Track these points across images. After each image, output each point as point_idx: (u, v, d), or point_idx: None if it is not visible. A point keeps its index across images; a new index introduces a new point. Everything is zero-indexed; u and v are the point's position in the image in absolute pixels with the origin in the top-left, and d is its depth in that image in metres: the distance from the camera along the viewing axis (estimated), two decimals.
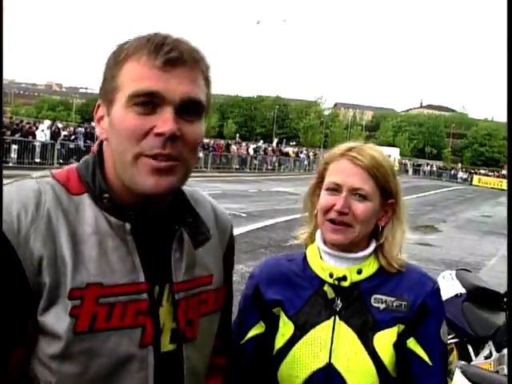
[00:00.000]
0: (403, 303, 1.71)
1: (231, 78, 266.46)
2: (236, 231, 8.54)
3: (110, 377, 1.25)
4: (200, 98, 1.28)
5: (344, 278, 1.72)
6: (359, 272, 1.73)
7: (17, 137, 25.88)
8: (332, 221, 1.71)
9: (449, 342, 4.32)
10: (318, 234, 1.81)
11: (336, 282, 1.73)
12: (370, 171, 1.69)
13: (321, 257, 1.78)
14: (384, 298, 1.72)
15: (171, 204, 1.40)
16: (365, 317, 1.70)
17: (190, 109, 1.26)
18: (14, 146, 24.68)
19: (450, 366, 3.14)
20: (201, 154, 37.15)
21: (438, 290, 1.78)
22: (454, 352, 4.26)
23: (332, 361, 1.68)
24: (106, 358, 1.24)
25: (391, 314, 1.70)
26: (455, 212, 25.79)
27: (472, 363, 3.72)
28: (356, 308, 1.72)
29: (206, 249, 1.46)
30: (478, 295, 4.18)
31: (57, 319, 1.19)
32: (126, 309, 1.26)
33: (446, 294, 4.41)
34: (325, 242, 1.78)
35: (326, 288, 1.74)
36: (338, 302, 1.72)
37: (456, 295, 4.30)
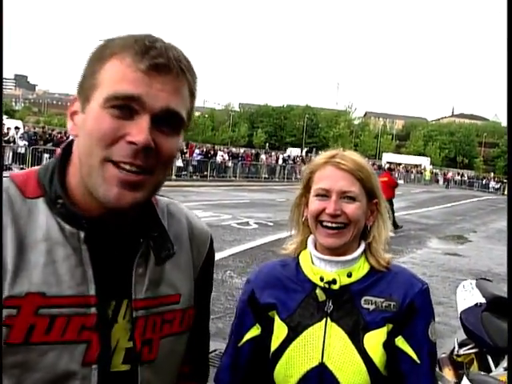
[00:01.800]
0: (392, 303, 1.77)
1: (261, 87, 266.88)
2: (262, 240, 8.62)
3: None
4: (180, 111, 1.22)
5: (334, 282, 1.79)
6: (349, 275, 1.80)
7: (49, 146, 26.39)
8: (324, 224, 1.77)
9: (469, 352, 4.28)
10: (310, 239, 1.88)
11: (326, 286, 1.80)
12: (355, 174, 1.77)
13: (312, 261, 1.85)
14: (373, 299, 1.78)
15: (138, 215, 1.31)
16: (355, 318, 1.77)
17: (168, 121, 1.20)
18: (46, 155, 25.15)
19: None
20: (230, 163, 37.35)
21: (427, 290, 1.83)
22: (475, 363, 4.21)
23: (324, 360, 1.75)
24: (43, 373, 1.16)
25: (381, 314, 1.76)
26: (486, 222, 25.43)
27: (491, 374, 3.68)
28: (347, 309, 1.78)
29: (174, 265, 1.38)
30: (497, 305, 4.11)
31: None
32: (69, 322, 1.18)
33: (465, 304, 4.37)
34: (315, 247, 1.85)
35: (317, 291, 1.81)
36: (329, 304, 1.79)
37: (476, 305, 4.25)
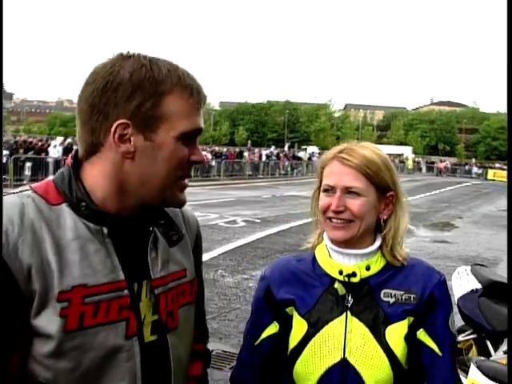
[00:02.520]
0: (412, 296, 1.76)
1: (240, 85, 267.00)
2: (251, 237, 8.65)
3: (101, 368, 1.39)
4: None
5: (353, 275, 1.77)
6: (367, 268, 1.79)
7: (30, 154, 26.18)
8: (331, 219, 1.77)
9: (467, 338, 4.29)
10: (326, 233, 1.86)
11: (346, 279, 1.78)
12: (360, 169, 1.75)
13: (329, 255, 1.83)
14: (393, 292, 1.77)
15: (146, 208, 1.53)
16: (376, 311, 1.76)
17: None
18: (28, 164, 24.95)
19: (468, 363, 3.12)
20: (213, 163, 37.27)
21: (445, 281, 1.83)
22: (473, 348, 4.22)
23: (346, 356, 1.73)
24: (96, 351, 1.37)
25: (401, 307, 1.76)
26: (471, 207, 25.63)
27: (491, 358, 3.69)
28: (367, 303, 1.77)
29: (178, 246, 1.61)
30: (493, 290, 4.12)
31: (48, 321, 1.32)
32: (110, 305, 1.40)
33: (462, 290, 4.38)
34: (332, 241, 1.83)
35: (336, 285, 1.79)
36: (349, 298, 1.77)
37: (472, 291, 4.26)
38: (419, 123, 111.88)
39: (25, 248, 1.31)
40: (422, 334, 1.75)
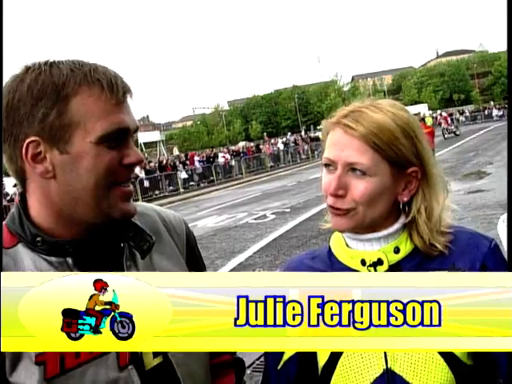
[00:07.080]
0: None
1: (245, 80, 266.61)
2: (283, 229, 8.37)
3: None
4: None
5: (380, 262, 1.42)
6: (396, 251, 1.44)
7: None
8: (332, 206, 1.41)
9: None
10: None
11: (371, 269, 1.42)
12: (367, 140, 1.36)
13: (347, 244, 1.49)
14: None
15: (111, 224, 1.37)
16: None
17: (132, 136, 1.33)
18: None
19: None
20: (233, 162, 37.20)
21: (497, 247, 1.46)
22: None
23: (390, 365, 1.39)
24: None
25: None
26: (499, 151, 25.00)
27: None
28: None
29: (161, 256, 1.45)
30: None
31: (26, 373, 1.18)
32: None
33: None
34: None
35: None
36: None
37: None
38: (429, 78, 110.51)
39: None
40: None
